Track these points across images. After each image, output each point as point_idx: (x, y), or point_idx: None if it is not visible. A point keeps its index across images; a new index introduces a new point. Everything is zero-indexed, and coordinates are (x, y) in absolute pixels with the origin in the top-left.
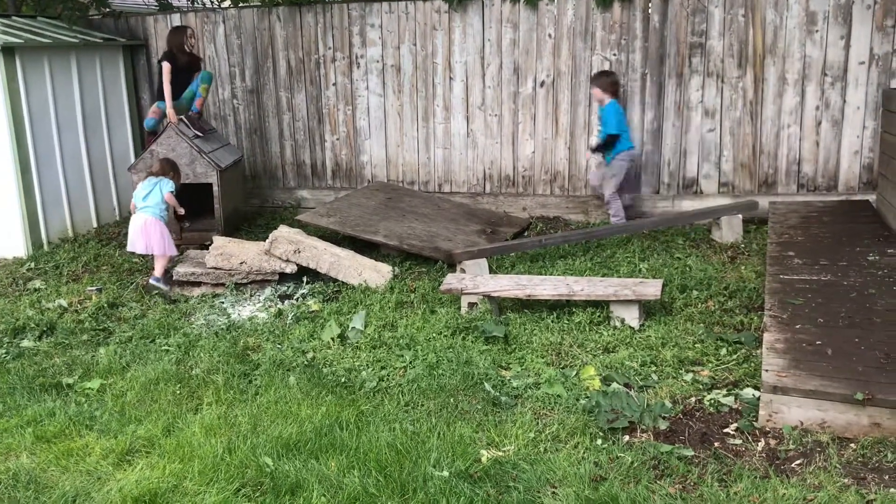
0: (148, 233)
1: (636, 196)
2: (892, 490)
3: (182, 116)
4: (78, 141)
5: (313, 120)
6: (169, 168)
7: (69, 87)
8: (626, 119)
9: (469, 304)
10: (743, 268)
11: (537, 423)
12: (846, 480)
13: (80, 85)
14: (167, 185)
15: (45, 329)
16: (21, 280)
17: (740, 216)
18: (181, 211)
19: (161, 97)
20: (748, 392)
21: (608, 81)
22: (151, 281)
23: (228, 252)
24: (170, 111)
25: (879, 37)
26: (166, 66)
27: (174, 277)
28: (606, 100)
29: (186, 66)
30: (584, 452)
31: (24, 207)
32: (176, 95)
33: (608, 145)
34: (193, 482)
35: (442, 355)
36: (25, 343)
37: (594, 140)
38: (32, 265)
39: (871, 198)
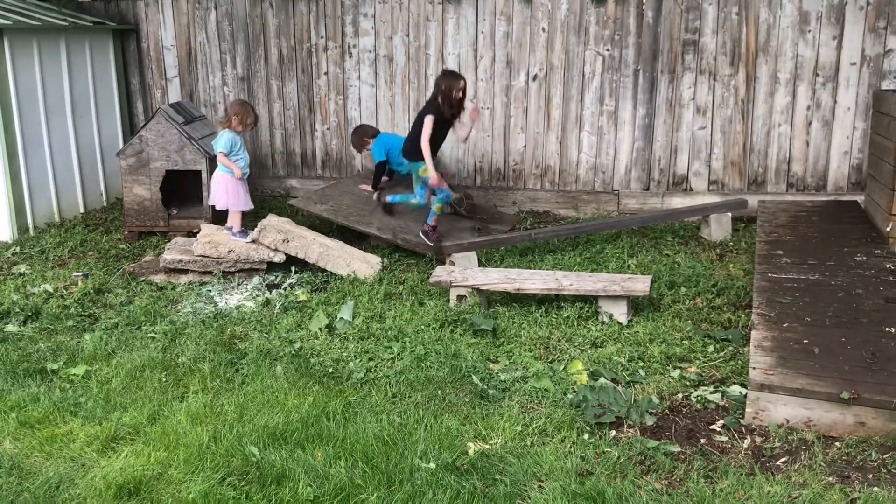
0: (214, 187)
1: (620, 192)
2: (875, 489)
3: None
4: (66, 125)
5: (304, 109)
6: (231, 115)
7: (58, 70)
8: (393, 142)
9: (458, 296)
10: (731, 266)
11: (524, 417)
12: (830, 479)
13: (69, 69)
14: (217, 142)
15: (29, 314)
16: (6, 264)
17: (729, 214)
18: (238, 172)
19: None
20: (735, 389)
21: (359, 136)
22: (225, 231)
23: (216, 240)
24: (431, 171)
25: (871, 38)
26: (429, 119)
27: (161, 265)
28: (370, 143)
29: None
30: (570, 447)
31: (10, 191)
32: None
33: (386, 173)
34: (178, 470)
35: (430, 347)
36: (10, 328)
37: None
38: (18, 249)
39: (860, 198)
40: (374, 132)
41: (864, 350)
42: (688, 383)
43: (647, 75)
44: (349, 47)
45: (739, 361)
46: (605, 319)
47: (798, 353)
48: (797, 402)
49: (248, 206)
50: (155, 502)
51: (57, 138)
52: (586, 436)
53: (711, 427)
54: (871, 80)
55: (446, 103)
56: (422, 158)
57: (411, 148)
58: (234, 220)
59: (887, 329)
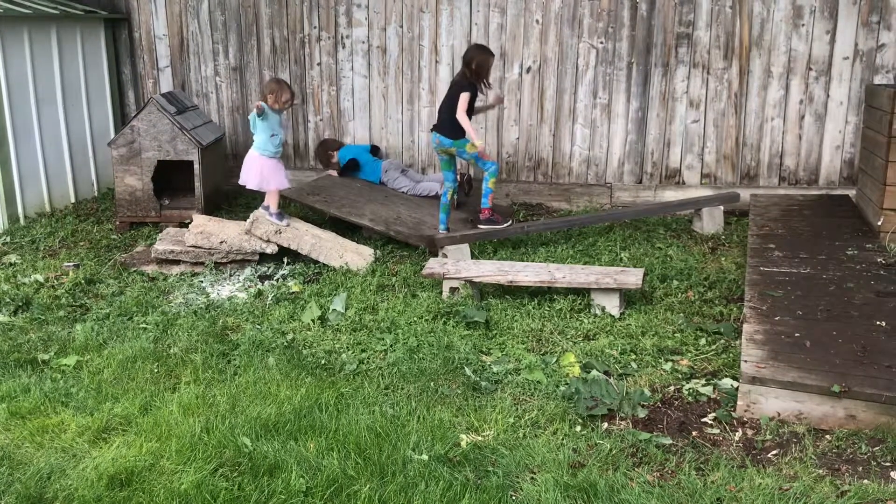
0: (247, 167)
1: (613, 185)
2: (865, 481)
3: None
4: (57, 114)
5: (297, 99)
6: (266, 93)
7: (48, 58)
8: (361, 150)
9: (451, 288)
10: (723, 259)
11: (517, 409)
12: (821, 471)
13: (59, 57)
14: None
15: (20, 304)
16: None
17: (722, 208)
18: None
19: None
20: (726, 382)
21: (324, 150)
22: (261, 210)
23: (208, 231)
24: (477, 140)
25: (864, 32)
26: (465, 95)
27: (153, 255)
28: (335, 155)
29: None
30: (563, 439)
31: (0, 181)
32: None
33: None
34: (170, 461)
35: (423, 339)
36: (0, 318)
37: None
38: (8, 239)
39: (851, 193)
40: (337, 145)
41: (854, 344)
42: (679, 376)
43: (640, 68)
44: (342, 38)
45: (731, 354)
46: (598, 312)
47: (789, 347)
48: (788, 395)
49: (285, 184)
50: (147, 493)
51: (47, 127)
52: (578, 428)
53: (703, 419)
54: (863, 74)
55: (477, 78)
56: (464, 135)
57: (451, 127)
58: (271, 200)
59: (878, 323)
